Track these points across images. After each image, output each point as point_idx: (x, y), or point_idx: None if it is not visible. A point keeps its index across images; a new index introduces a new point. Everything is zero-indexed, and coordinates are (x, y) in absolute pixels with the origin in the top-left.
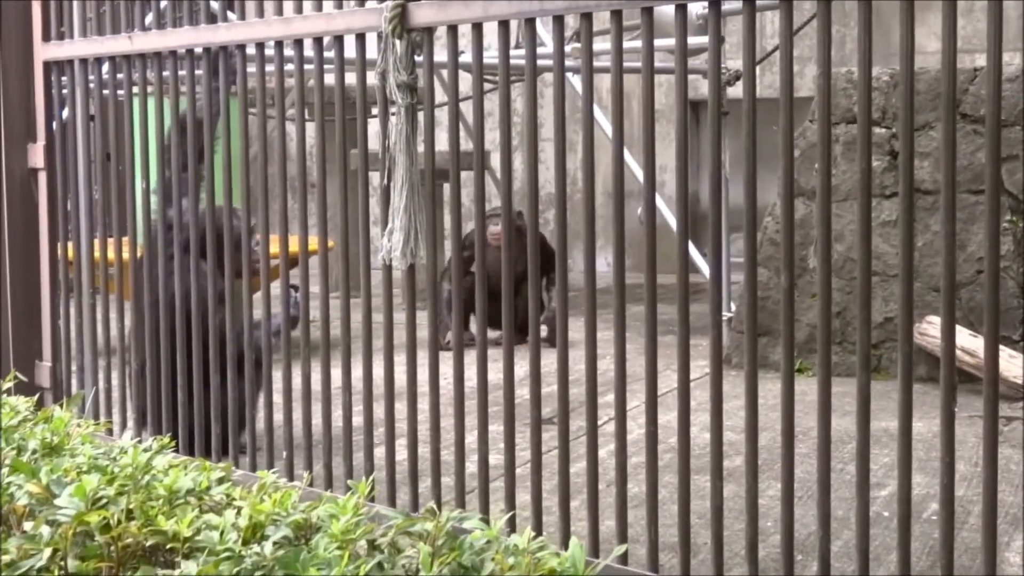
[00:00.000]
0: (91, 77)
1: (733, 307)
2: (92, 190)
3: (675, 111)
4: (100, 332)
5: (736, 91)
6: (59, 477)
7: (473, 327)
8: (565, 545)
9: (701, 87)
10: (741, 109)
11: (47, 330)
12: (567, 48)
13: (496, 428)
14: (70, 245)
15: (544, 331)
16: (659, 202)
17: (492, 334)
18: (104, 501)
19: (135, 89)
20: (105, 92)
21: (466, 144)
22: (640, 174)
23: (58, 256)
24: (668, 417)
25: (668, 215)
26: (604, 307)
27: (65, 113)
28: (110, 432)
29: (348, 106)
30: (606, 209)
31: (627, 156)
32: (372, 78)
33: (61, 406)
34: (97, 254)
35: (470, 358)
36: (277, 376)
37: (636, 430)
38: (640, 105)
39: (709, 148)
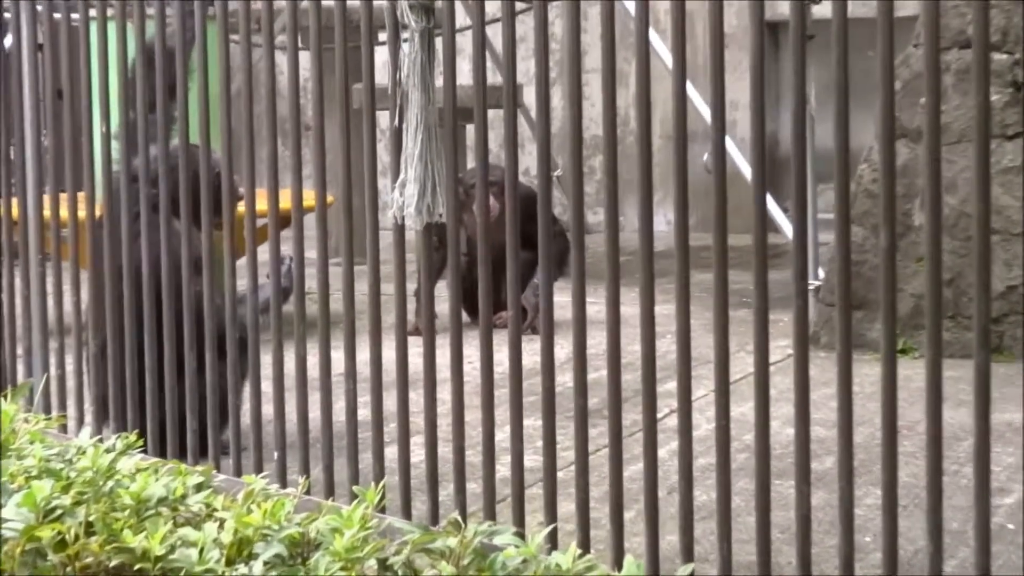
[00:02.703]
0: None
1: (821, 274)
2: (40, 135)
3: (748, 35)
4: (51, 307)
5: (823, 9)
6: (4, 483)
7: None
8: (618, 565)
9: (780, 5)
10: (829, 31)
11: None
12: None
13: (533, 422)
14: (14, 202)
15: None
16: (730, 146)
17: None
18: (59, 512)
19: (92, 12)
20: (56, 16)
21: (494, 77)
22: (706, 112)
23: None
24: (742, 409)
25: (741, 162)
26: (663, 275)
27: (7, 42)
28: (64, 428)
29: (351, 31)
30: (665, 155)
31: (690, 90)
32: None
33: (5, 397)
34: (47, 212)
35: (500, 338)
36: (266, 360)
37: (703, 425)
38: (706, 28)
39: (791, 80)
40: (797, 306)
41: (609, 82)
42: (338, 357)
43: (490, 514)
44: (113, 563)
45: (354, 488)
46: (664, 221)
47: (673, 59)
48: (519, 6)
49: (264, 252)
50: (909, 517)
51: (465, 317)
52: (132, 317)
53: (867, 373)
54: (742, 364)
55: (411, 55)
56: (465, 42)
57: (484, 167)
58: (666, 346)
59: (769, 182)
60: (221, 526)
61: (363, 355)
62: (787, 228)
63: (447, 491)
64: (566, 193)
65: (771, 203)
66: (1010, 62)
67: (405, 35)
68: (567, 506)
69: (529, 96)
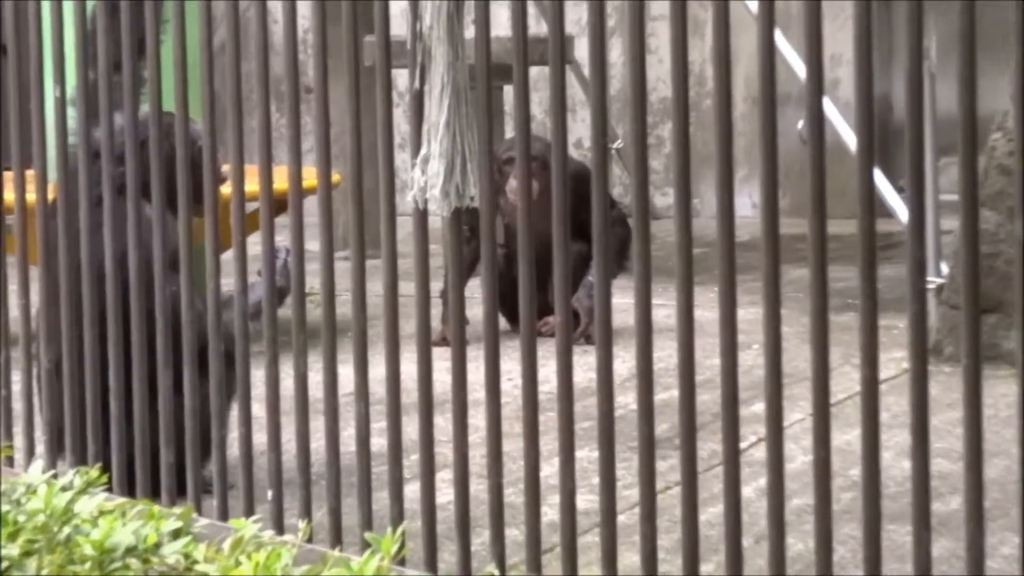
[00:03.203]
0: None
1: (944, 269)
2: None
3: None
4: None
5: None
6: None
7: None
8: None
9: None
10: None
11: None
12: None
13: (587, 454)
14: None
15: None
16: (830, 111)
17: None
18: (4, 566)
19: None
20: None
21: (537, 26)
22: (800, 69)
23: None
24: (847, 437)
25: (844, 130)
26: (747, 270)
27: None
28: (11, 462)
29: None
30: (750, 122)
31: (780, 41)
32: None
33: None
34: None
35: (546, 349)
36: (258, 378)
37: (799, 456)
38: None
39: (904, 30)
40: (914, 310)
41: (679, 33)
42: (346, 373)
43: (534, 567)
44: None
45: (367, 535)
46: (749, 204)
47: (759, 3)
48: None
49: (255, 244)
50: None
51: (503, 324)
52: (93, 325)
53: (1002, 392)
54: (846, 381)
55: (435, 1)
56: None
57: (525, 138)
58: (752, 359)
59: (878, 156)
60: None
61: (377, 371)
62: (901, 213)
63: (481, 539)
64: (627, 170)
65: (881, 182)
66: None
67: None
68: (630, 557)
69: (581, 50)
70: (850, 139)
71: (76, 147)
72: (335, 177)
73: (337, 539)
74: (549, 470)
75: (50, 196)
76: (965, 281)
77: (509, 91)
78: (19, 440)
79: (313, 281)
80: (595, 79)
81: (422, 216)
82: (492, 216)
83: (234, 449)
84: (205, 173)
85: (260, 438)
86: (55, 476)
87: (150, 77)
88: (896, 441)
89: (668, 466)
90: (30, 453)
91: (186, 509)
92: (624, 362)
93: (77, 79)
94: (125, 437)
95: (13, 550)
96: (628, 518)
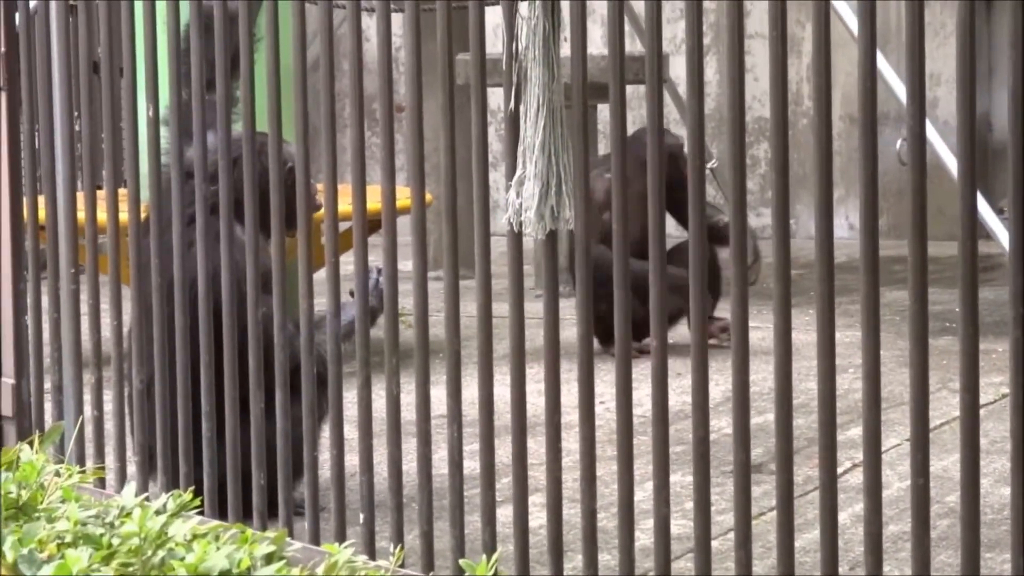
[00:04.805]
0: None
1: None
2: (73, 119)
3: None
4: (86, 333)
5: None
6: (31, 551)
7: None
8: None
9: None
10: None
11: (7, 330)
12: None
13: (681, 479)
14: (40, 202)
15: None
16: (930, 131)
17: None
18: None
19: None
20: None
21: (633, 44)
22: (900, 88)
23: (22, 218)
24: (944, 463)
25: (944, 151)
26: (845, 292)
27: (32, 2)
28: (103, 483)
29: None
30: (848, 142)
31: (880, 60)
32: None
33: (31, 444)
34: (81, 215)
35: (640, 372)
36: (350, 399)
37: (895, 483)
38: None
39: (1008, 44)
40: (1015, 335)
41: (778, 50)
42: (439, 395)
43: None
44: None
45: (460, 561)
46: (847, 225)
47: (859, 21)
48: None
49: (348, 264)
50: None
51: (596, 345)
52: (185, 346)
53: None
54: (945, 406)
55: (531, 20)
56: (597, 2)
57: (622, 157)
58: (849, 383)
59: (980, 176)
60: None
61: (470, 392)
62: (1002, 235)
63: (574, 563)
64: (722, 190)
65: (982, 203)
66: None
67: None
68: None
69: (676, 68)
70: (949, 159)
71: (168, 166)
72: (428, 196)
73: (429, 564)
74: (642, 495)
75: (143, 215)
76: None
77: (604, 110)
78: (111, 461)
79: (406, 301)
80: (691, 98)
81: (517, 238)
82: (587, 237)
83: (325, 471)
84: (299, 193)
85: (352, 460)
86: (147, 499)
87: (243, 96)
88: (995, 468)
89: (762, 491)
90: (122, 474)
91: (279, 533)
92: (718, 385)
93: (170, 97)
94: (217, 459)
95: (107, 573)
96: (722, 544)
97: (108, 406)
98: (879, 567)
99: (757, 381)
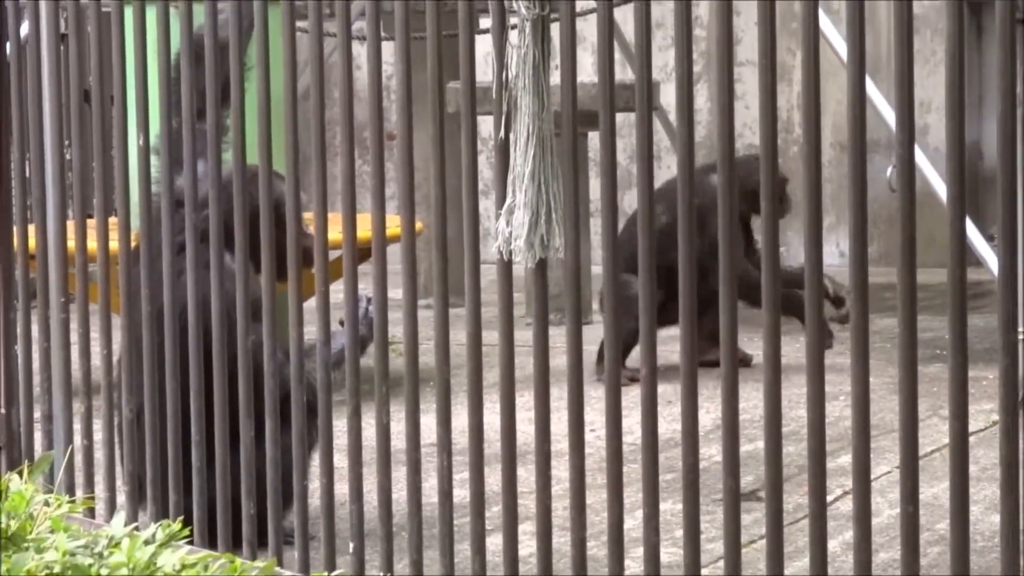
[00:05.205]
0: None
1: None
2: (63, 148)
3: (944, 16)
4: (76, 361)
5: None
6: None
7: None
8: None
9: None
10: None
11: None
12: None
13: (671, 506)
14: (30, 230)
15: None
16: (920, 158)
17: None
18: None
19: None
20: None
21: (623, 72)
22: (890, 116)
23: (12, 247)
24: (934, 490)
25: (933, 178)
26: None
27: (23, 31)
28: (92, 513)
29: (445, 17)
30: (838, 169)
31: (870, 88)
32: None
33: (21, 474)
34: (71, 244)
35: (630, 400)
36: (340, 428)
37: (885, 510)
38: (890, 9)
39: (997, 73)
40: (1004, 363)
41: (768, 79)
42: (429, 424)
43: None
44: None
45: None
46: (837, 252)
47: (849, 49)
48: None
49: (338, 292)
50: None
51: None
52: (175, 375)
53: None
54: (935, 433)
55: (520, 49)
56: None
57: (611, 187)
58: (840, 410)
59: (970, 203)
60: None
61: (460, 421)
62: (992, 262)
63: None
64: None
65: (972, 230)
66: None
67: (514, 22)
68: None
69: (667, 96)
70: (939, 186)
71: (159, 195)
72: (419, 225)
73: None
74: (632, 522)
75: (133, 244)
76: None
77: (594, 138)
78: (100, 491)
79: (396, 330)
80: (682, 125)
81: (507, 266)
82: (576, 259)
83: (315, 500)
84: (288, 222)
85: (342, 489)
86: (137, 528)
87: (233, 125)
88: (985, 495)
89: (752, 519)
90: (112, 504)
91: (269, 563)
92: (708, 412)
93: (161, 126)
94: (207, 488)
95: None
96: (712, 572)
97: (98, 435)
98: None
99: (747, 408)
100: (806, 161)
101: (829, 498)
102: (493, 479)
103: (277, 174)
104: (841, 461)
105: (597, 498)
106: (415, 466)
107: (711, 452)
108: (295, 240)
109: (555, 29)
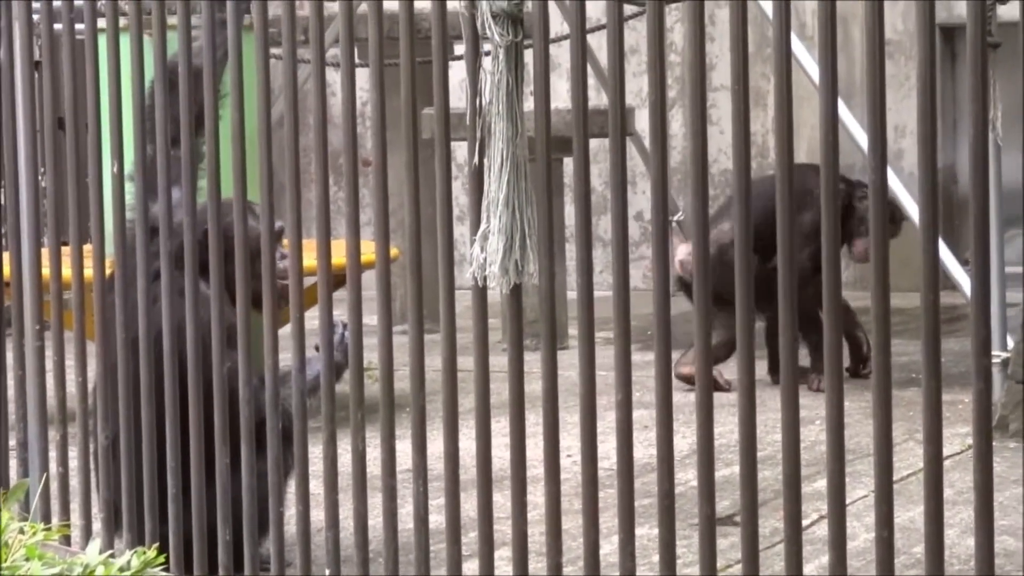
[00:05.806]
0: (36, 4)
1: (1010, 343)
2: (38, 175)
3: (916, 42)
4: (51, 389)
5: (1011, 10)
6: None
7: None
8: None
9: (956, 6)
10: (1018, 37)
11: None
12: None
13: (647, 531)
14: (4, 258)
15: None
16: (894, 182)
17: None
18: None
19: (101, 23)
20: (57, 27)
21: (598, 98)
22: (863, 140)
23: None
24: (910, 514)
25: (907, 202)
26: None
27: None
28: (68, 540)
29: (419, 44)
30: None
31: (843, 112)
32: (456, 2)
33: None
34: (45, 271)
35: (606, 425)
36: (316, 454)
37: (861, 534)
38: (863, 34)
39: (970, 98)
40: (978, 387)
41: (741, 103)
42: (405, 450)
43: None
44: None
45: None
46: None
47: (821, 74)
48: (629, 9)
49: (313, 319)
50: None
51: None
52: (150, 402)
53: None
54: (911, 457)
55: (495, 74)
56: (562, 55)
57: (585, 209)
58: (816, 434)
59: (945, 228)
60: None
61: (436, 447)
62: (966, 285)
63: None
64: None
65: (947, 254)
66: None
67: (487, 48)
68: None
69: (641, 121)
70: (913, 211)
71: (133, 222)
72: (393, 251)
73: None
74: (608, 548)
75: (108, 271)
76: None
77: (568, 163)
78: (76, 519)
79: (371, 356)
80: (655, 150)
81: (482, 292)
82: (549, 288)
83: (291, 527)
84: (263, 250)
85: (318, 515)
86: (112, 555)
87: (207, 152)
88: (960, 518)
89: (728, 543)
90: (87, 531)
91: None
92: (684, 438)
93: (135, 153)
94: (182, 516)
95: None
96: None
97: (73, 463)
98: None
99: (723, 433)
100: (780, 186)
101: (805, 522)
102: (469, 505)
103: (252, 204)
104: (817, 485)
105: (573, 523)
106: (391, 492)
107: (687, 477)
108: (269, 268)
109: (528, 55)
